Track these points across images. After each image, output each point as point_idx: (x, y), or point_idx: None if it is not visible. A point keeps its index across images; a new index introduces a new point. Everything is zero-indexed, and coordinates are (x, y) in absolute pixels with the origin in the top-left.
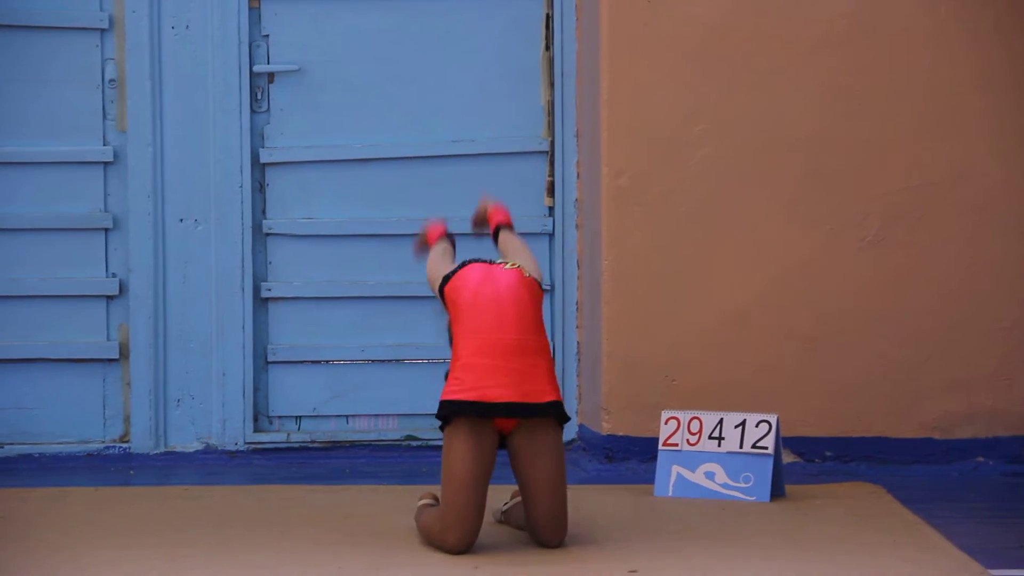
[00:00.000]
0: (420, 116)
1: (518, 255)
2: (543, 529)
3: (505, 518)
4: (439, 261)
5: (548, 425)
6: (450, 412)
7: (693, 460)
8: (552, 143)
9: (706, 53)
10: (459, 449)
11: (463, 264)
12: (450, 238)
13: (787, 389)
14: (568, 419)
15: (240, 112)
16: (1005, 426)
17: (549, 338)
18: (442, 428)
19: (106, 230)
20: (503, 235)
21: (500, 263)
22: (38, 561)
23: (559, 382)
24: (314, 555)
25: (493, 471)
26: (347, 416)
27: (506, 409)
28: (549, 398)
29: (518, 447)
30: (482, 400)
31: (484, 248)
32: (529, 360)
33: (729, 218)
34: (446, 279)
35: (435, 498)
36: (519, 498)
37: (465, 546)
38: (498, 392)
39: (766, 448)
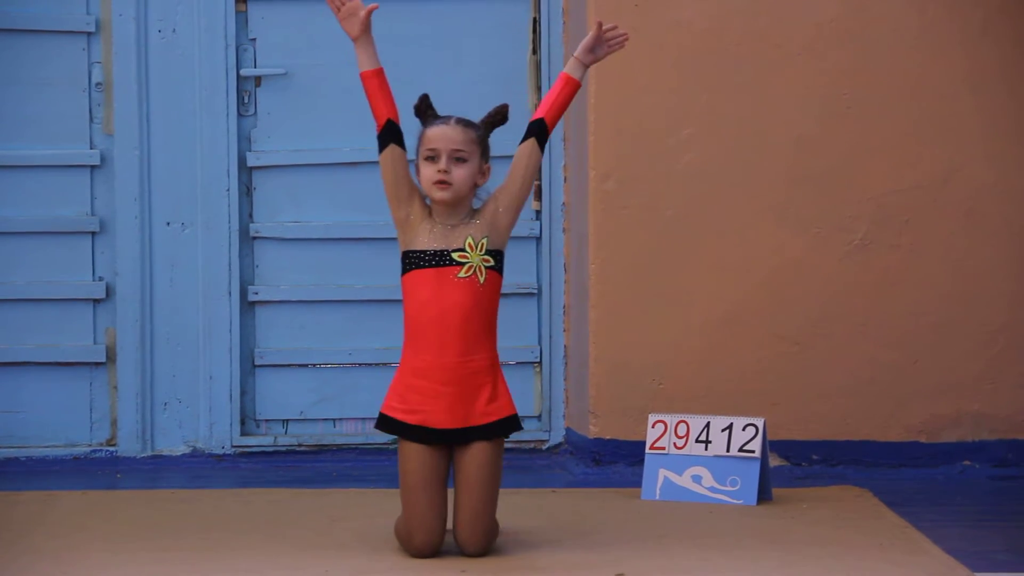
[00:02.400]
0: (407, 120)
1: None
2: (460, 534)
3: None
4: (396, 175)
5: (482, 443)
6: (392, 431)
7: (680, 464)
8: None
9: (694, 57)
10: (410, 457)
11: (414, 260)
12: (394, 129)
13: (774, 392)
14: (518, 428)
15: (227, 115)
16: (991, 430)
17: (536, 342)
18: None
19: (93, 233)
20: (530, 146)
21: (455, 263)
22: (25, 565)
23: (546, 388)
24: (301, 559)
25: (448, 473)
26: (334, 420)
27: (446, 436)
28: (491, 419)
29: (456, 457)
30: (423, 425)
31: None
32: (472, 381)
33: (717, 221)
34: (404, 262)
35: None
36: None
37: (430, 549)
38: (439, 418)
39: (753, 452)
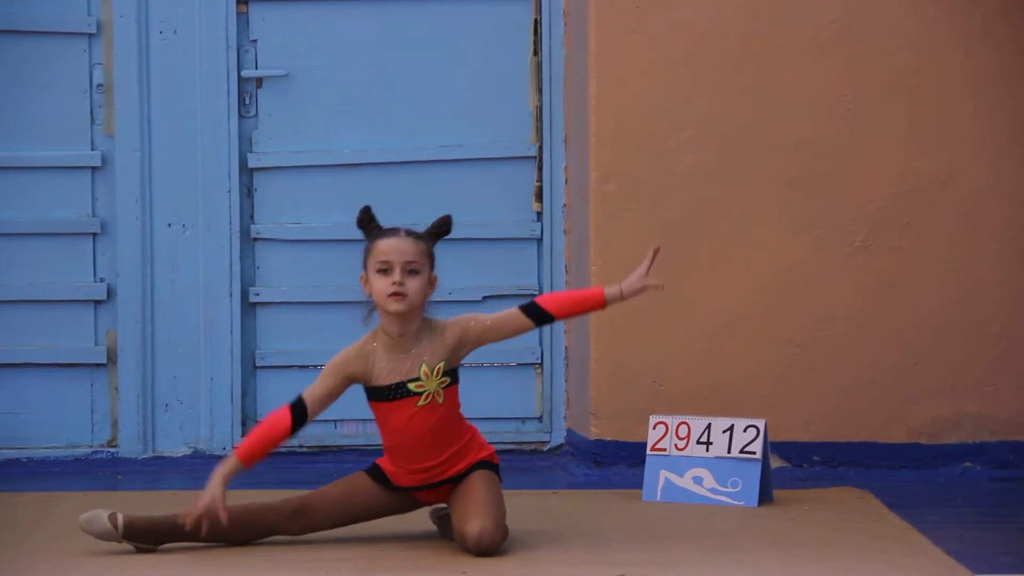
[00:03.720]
0: (408, 121)
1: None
2: (470, 530)
3: (440, 522)
4: (337, 391)
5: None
6: (376, 478)
7: (681, 465)
8: (540, 148)
9: (694, 58)
10: (360, 483)
11: (374, 394)
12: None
13: (775, 394)
14: (496, 465)
15: (228, 117)
16: (992, 431)
17: (537, 344)
18: None
19: (94, 235)
20: (521, 319)
21: (412, 394)
22: (26, 567)
23: (547, 389)
24: (302, 560)
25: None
26: (335, 421)
27: (419, 487)
28: (471, 462)
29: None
30: (400, 485)
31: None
32: (452, 466)
33: (717, 223)
34: (365, 390)
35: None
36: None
37: (295, 521)
38: (420, 480)
39: (754, 453)
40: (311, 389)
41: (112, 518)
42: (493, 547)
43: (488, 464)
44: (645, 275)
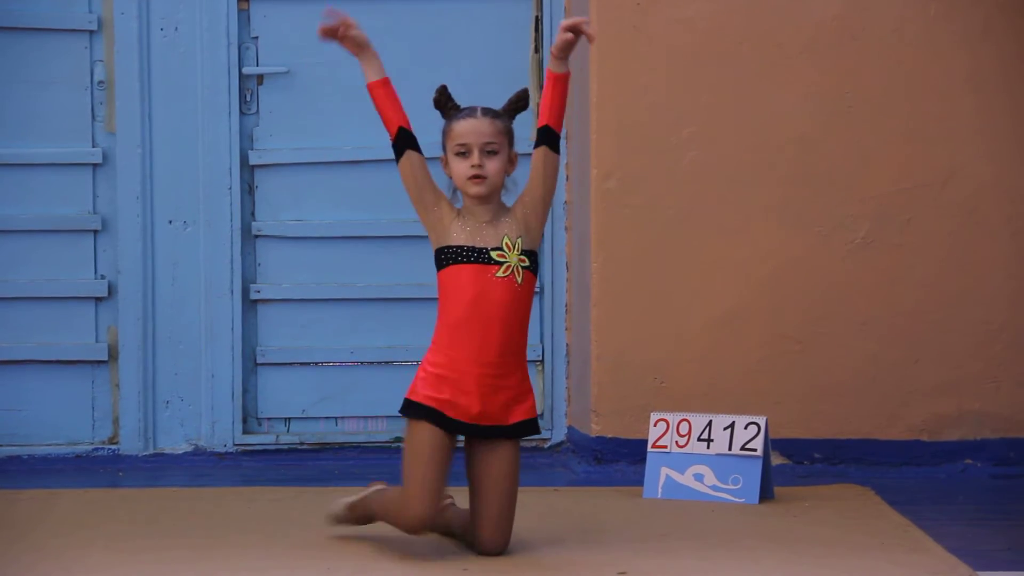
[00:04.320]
0: (410, 118)
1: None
2: (483, 534)
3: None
4: (418, 182)
5: (509, 442)
6: (417, 415)
7: (682, 462)
8: None
9: (695, 56)
10: (424, 433)
11: (452, 255)
12: (407, 136)
13: (776, 391)
14: (535, 432)
15: (229, 114)
16: (993, 428)
17: (538, 340)
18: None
19: (95, 232)
20: (542, 153)
21: (493, 262)
22: (27, 564)
23: (548, 386)
24: (303, 557)
25: (452, 457)
26: (336, 418)
27: (471, 430)
28: (516, 419)
29: (475, 452)
30: (447, 414)
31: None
32: (504, 380)
33: (718, 220)
34: (439, 258)
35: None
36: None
37: (422, 522)
38: (465, 412)
39: (755, 450)
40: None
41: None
42: (501, 551)
43: (526, 427)
44: (561, 26)
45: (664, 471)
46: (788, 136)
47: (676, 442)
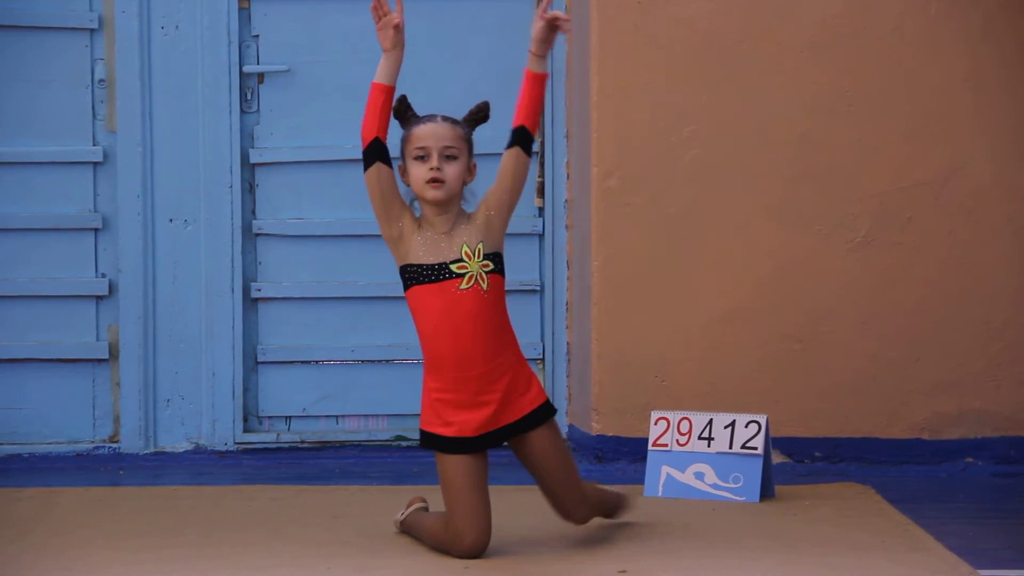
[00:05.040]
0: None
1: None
2: (570, 513)
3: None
4: (384, 193)
5: (540, 430)
6: (434, 447)
7: (683, 460)
8: (542, 144)
9: (696, 54)
10: (452, 465)
11: (414, 275)
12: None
13: (776, 390)
14: (555, 411)
15: (230, 112)
16: (993, 427)
17: (539, 339)
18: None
19: (96, 230)
20: (514, 154)
21: (455, 276)
22: (27, 562)
23: (548, 385)
24: (304, 556)
25: (488, 469)
26: (337, 416)
27: (482, 441)
28: (528, 408)
29: (515, 449)
30: (461, 436)
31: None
32: (500, 380)
33: (719, 219)
34: (403, 277)
35: (424, 500)
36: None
37: (480, 548)
38: (476, 426)
39: (755, 449)
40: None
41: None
42: (588, 518)
43: (547, 410)
44: (546, 24)
45: (665, 469)
46: (788, 135)
47: (677, 440)
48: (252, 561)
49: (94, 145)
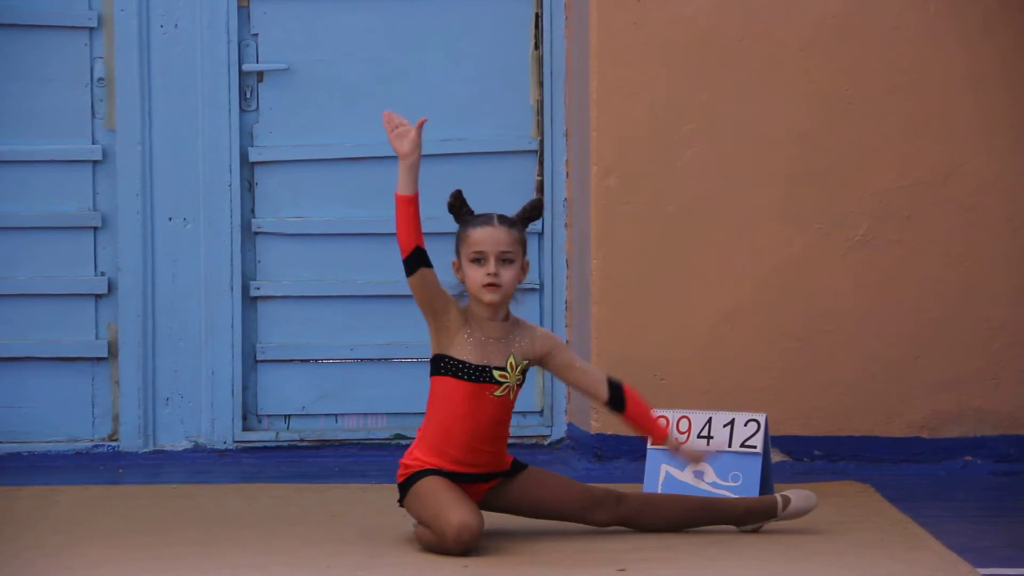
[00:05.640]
0: (409, 115)
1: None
2: (591, 516)
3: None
4: (430, 294)
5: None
6: (414, 480)
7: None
8: (541, 142)
9: (695, 52)
10: (427, 479)
11: (452, 368)
12: (421, 256)
13: (776, 388)
14: (525, 466)
15: (229, 111)
16: (993, 425)
17: None
18: (402, 503)
19: (95, 229)
20: (597, 387)
21: (494, 382)
22: (27, 561)
23: (548, 383)
24: (303, 554)
25: None
26: (336, 415)
27: (466, 478)
28: (506, 466)
29: (508, 496)
30: (438, 469)
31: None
32: (485, 465)
33: (718, 217)
34: (436, 363)
35: None
36: None
37: (469, 531)
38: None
39: (755, 447)
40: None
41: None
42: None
43: (521, 464)
44: (702, 454)
45: (664, 468)
46: (788, 133)
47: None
48: (251, 559)
49: (93, 143)
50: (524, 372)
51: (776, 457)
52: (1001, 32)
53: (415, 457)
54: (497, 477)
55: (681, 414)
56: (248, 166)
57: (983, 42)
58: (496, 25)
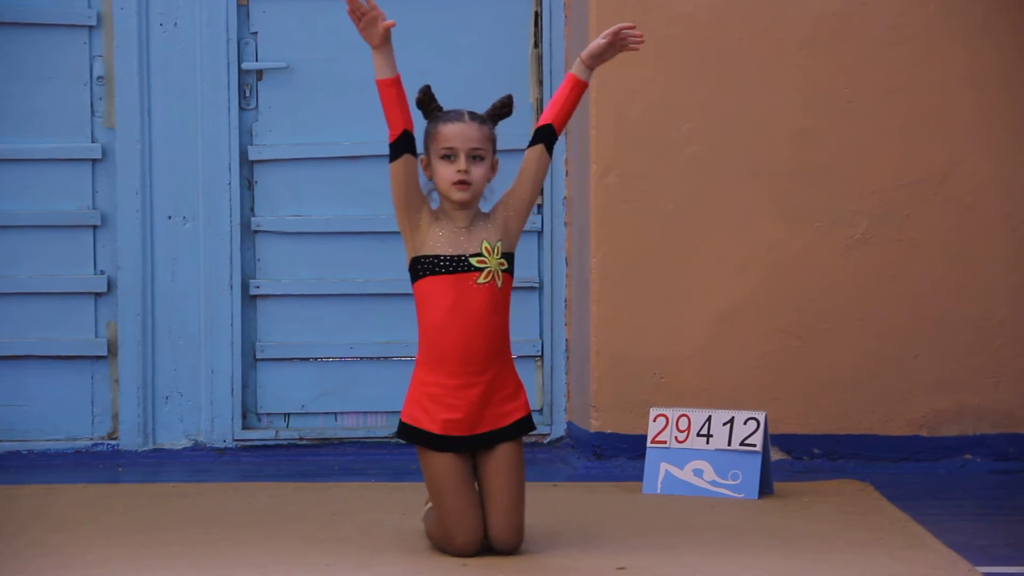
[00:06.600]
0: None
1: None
2: (494, 533)
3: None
4: (408, 184)
5: (508, 443)
6: (414, 440)
7: (681, 457)
8: None
9: (694, 50)
10: (437, 463)
11: (429, 265)
12: (409, 139)
13: (775, 386)
14: (532, 429)
15: (228, 109)
16: (992, 424)
17: (537, 336)
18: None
19: (94, 227)
20: (538, 152)
21: (474, 270)
22: (26, 560)
23: (547, 381)
24: (303, 553)
25: (472, 472)
26: (335, 413)
27: (468, 443)
28: (510, 419)
29: (480, 460)
30: (445, 434)
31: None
32: (493, 384)
33: (717, 216)
34: (414, 268)
35: None
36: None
37: (472, 547)
38: (462, 426)
39: (754, 445)
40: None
41: None
42: (515, 547)
43: (524, 425)
44: (612, 41)
45: (663, 466)
46: (787, 131)
47: (675, 437)
48: (251, 558)
49: (93, 142)
50: (508, 258)
51: (775, 455)
52: (1000, 31)
53: (416, 388)
54: (493, 442)
55: (681, 412)
56: (247, 164)
57: (982, 41)
58: (495, 24)
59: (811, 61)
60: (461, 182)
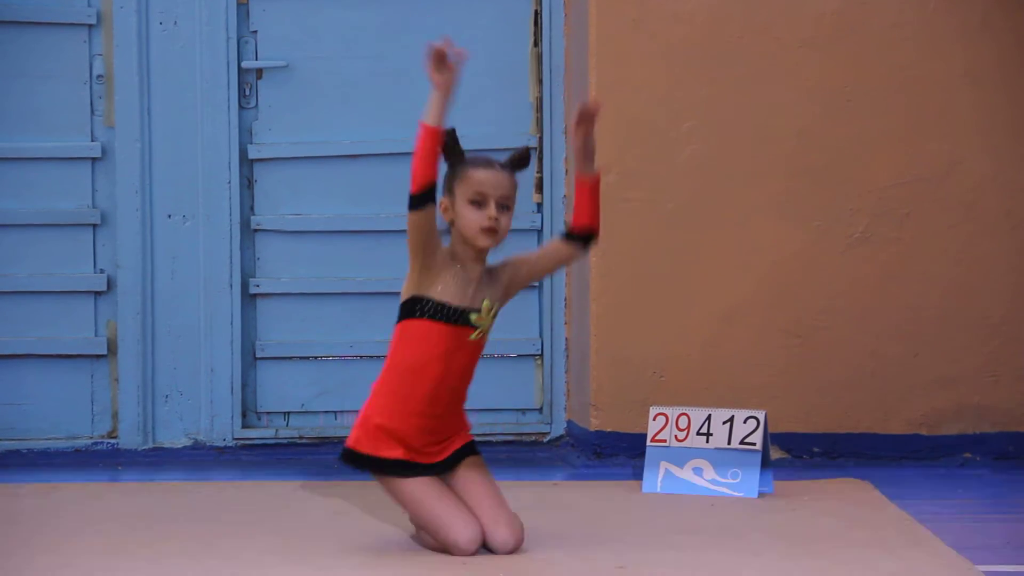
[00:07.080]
0: (409, 112)
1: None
2: (498, 541)
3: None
4: (431, 232)
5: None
6: (376, 469)
7: (681, 456)
8: (540, 140)
9: (694, 49)
10: (402, 482)
11: (431, 310)
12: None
13: (775, 385)
14: (477, 452)
15: (228, 108)
16: (992, 422)
17: (537, 335)
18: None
19: (94, 226)
20: (568, 249)
21: (470, 326)
22: (26, 558)
23: (547, 380)
24: (302, 552)
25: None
26: (335, 412)
27: (431, 469)
28: (464, 441)
29: (448, 481)
30: (414, 461)
31: None
32: (444, 425)
33: (717, 214)
34: (413, 305)
35: None
36: None
37: (475, 543)
38: (425, 456)
39: (754, 444)
40: None
41: None
42: (519, 544)
43: (473, 447)
44: (583, 142)
45: (663, 465)
46: (787, 130)
47: (675, 436)
48: (251, 557)
49: (92, 141)
50: (495, 316)
51: (775, 454)
52: (1000, 29)
53: (370, 419)
54: (448, 467)
55: (680, 411)
56: (247, 163)
57: (982, 39)
58: (495, 22)
59: (811, 60)
60: (491, 229)
